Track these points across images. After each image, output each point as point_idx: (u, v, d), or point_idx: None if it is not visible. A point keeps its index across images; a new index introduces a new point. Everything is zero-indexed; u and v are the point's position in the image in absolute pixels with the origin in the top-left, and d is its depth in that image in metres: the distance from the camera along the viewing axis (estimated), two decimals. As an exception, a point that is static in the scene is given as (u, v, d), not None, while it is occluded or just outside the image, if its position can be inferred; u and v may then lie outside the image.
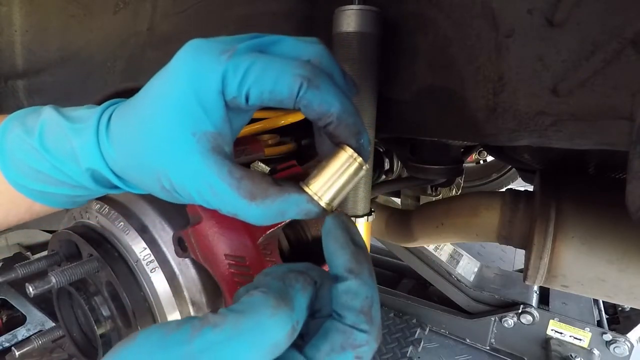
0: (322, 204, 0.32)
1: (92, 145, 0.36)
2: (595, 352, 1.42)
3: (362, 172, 0.33)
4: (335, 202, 0.32)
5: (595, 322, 1.47)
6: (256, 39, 0.33)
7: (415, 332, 1.65)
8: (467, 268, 1.71)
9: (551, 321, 1.49)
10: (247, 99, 0.31)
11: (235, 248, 0.37)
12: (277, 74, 0.30)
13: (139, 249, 0.44)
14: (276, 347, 0.25)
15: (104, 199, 0.48)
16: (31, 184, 0.40)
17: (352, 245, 0.30)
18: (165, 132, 0.32)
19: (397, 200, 1.63)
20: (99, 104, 0.54)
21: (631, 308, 1.59)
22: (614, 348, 1.39)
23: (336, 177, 0.32)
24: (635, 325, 1.45)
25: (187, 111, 0.31)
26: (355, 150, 0.32)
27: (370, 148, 0.66)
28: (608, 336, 1.41)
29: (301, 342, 0.29)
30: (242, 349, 0.23)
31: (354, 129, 0.33)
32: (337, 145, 0.33)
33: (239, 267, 0.37)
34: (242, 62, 0.31)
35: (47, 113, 0.39)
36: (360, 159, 0.32)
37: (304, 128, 0.69)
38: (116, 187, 0.38)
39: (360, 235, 0.32)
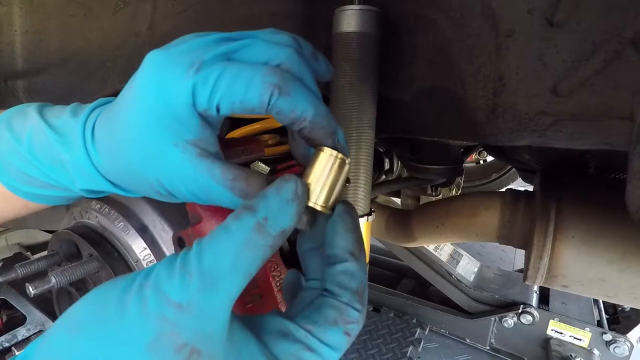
0: (319, 207, 0.32)
1: (83, 160, 0.36)
2: (595, 352, 1.42)
3: (347, 167, 0.33)
4: (331, 202, 0.33)
5: (595, 322, 1.47)
6: (224, 45, 0.32)
7: (415, 332, 1.65)
8: (467, 268, 1.71)
9: (551, 321, 1.49)
10: (217, 110, 0.31)
11: None
12: (246, 84, 0.30)
13: (139, 249, 0.44)
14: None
15: (104, 199, 0.48)
16: (23, 187, 0.40)
17: (358, 231, 0.32)
18: (150, 147, 0.32)
19: (397, 200, 1.63)
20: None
21: (631, 308, 1.59)
22: (614, 348, 1.39)
23: (324, 178, 0.32)
24: (635, 325, 1.45)
25: (164, 125, 0.31)
26: (333, 149, 0.33)
27: (370, 148, 0.66)
28: (608, 336, 1.41)
29: (292, 313, 0.30)
30: None
31: (329, 129, 0.33)
32: (315, 148, 0.33)
33: None
34: (210, 75, 0.30)
35: (33, 119, 0.39)
36: (341, 154, 0.33)
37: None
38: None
39: (360, 230, 0.33)
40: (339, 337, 0.27)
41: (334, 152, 0.32)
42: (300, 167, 0.50)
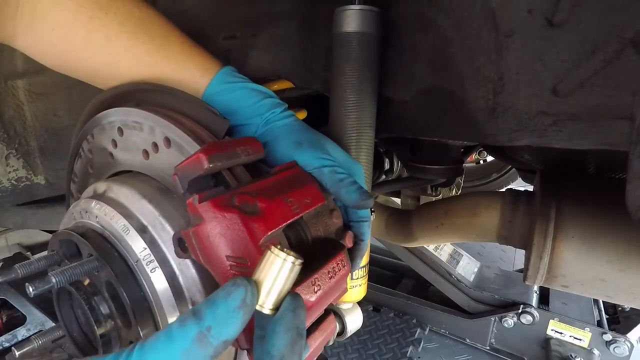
0: (267, 311, 0.33)
1: None
2: (595, 352, 1.42)
3: (298, 268, 0.34)
4: (279, 300, 0.33)
5: (595, 322, 1.47)
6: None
7: (415, 332, 1.65)
8: (467, 268, 1.71)
9: (551, 321, 1.49)
10: None
11: (237, 249, 0.37)
12: None
13: (139, 249, 0.44)
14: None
15: (104, 199, 0.48)
16: None
17: (298, 329, 0.32)
18: None
19: (397, 200, 1.63)
20: (99, 106, 0.54)
21: (631, 308, 1.59)
22: (614, 348, 1.39)
23: (272, 280, 0.33)
24: (635, 325, 1.45)
25: None
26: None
27: (370, 148, 0.66)
28: (608, 336, 1.41)
29: None
30: None
31: None
32: (266, 247, 0.34)
33: (240, 268, 0.37)
34: None
35: None
36: (292, 257, 0.33)
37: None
38: None
39: (304, 322, 0.33)
40: None
41: (285, 256, 0.33)
42: (299, 168, 0.50)
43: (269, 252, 0.33)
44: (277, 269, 0.33)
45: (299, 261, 0.33)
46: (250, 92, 0.54)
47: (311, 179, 0.50)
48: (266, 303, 0.33)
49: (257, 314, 0.34)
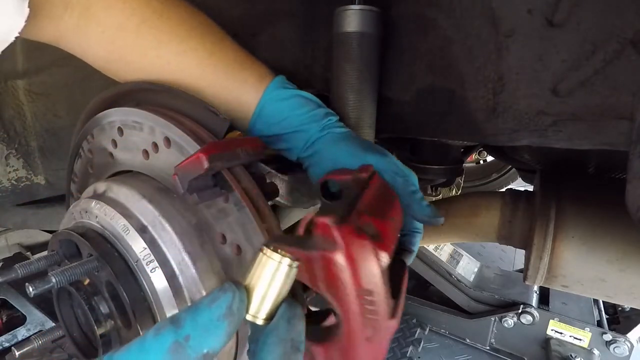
0: (259, 322, 0.29)
1: None
2: (595, 352, 1.42)
3: (295, 270, 0.30)
4: (274, 309, 0.30)
5: (595, 322, 1.47)
6: None
7: (415, 332, 1.65)
8: (467, 268, 1.71)
9: (551, 321, 1.49)
10: None
11: (366, 280, 0.33)
12: None
13: (139, 248, 0.44)
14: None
15: (104, 199, 0.48)
16: None
17: (292, 340, 0.29)
18: None
19: (397, 200, 1.63)
20: (99, 106, 0.54)
21: (631, 308, 1.58)
22: (614, 348, 1.39)
23: (265, 286, 0.29)
24: (635, 325, 1.45)
25: None
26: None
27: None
28: (608, 336, 1.41)
29: None
30: None
31: None
32: (260, 249, 0.30)
33: (368, 301, 0.33)
34: None
35: None
36: (287, 258, 0.29)
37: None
38: None
39: (302, 334, 0.30)
40: None
41: (280, 258, 0.29)
42: (381, 179, 0.47)
43: (261, 254, 0.29)
44: (271, 273, 0.29)
45: (295, 263, 0.30)
46: (304, 100, 0.55)
47: (393, 192, 0.46)
48: (260, 313, 0.29)
49: (251, 326, 0.30)
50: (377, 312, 0.34)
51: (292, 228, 0.80)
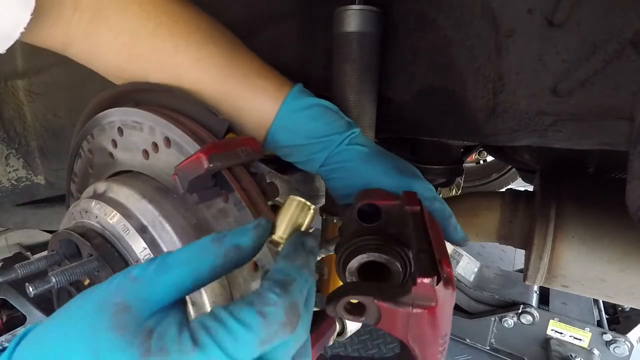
0: (277, 238, 0.36)
1: None
2: (595, 352, 1.42)
3: (311, 211, 0.37)
4: (289, 234, 0.37)
5: (595, 322, 1.47)
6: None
7: (415, 332, 1.65)
8: (467, 268, 1.71)
9: (551, 321, 1.49)
10: None
11: (446, 326, 0.36)
12: None
13: (139, 249, 0.44)
14: None
15: (104, 199, 0.48)
16: None
17: (297, 260, 0.33)
18: None
19: (397, 200, 1.63)
20: (99, 106, 0.54)
21: (631, 308, 1.58)
22: (614, 348, 1.39)
23: (287, 218, 0.37)
24: (635, 325, 1.45)
25: None
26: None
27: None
28: (608, 336, 1.41)
29: None
30: None
31: None
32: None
33: (443, 342, 0.36)
34: None
35: None
36: (304, 201, 0.37)
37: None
38: None
39: (313, 243, 0.35)
40: (252, 316, 0.28)
41: (299, 200, 0.37)
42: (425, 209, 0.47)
43: (289, 199, 0.37)
44: (292, 210, 0.37)
45: (313, 206, 0.37)
46: (324, 109, 0.54)
47: (436, 222, 0.47)
48: (278, 233, 0.36)
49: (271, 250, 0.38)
50: (446, 349, 0.37)
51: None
